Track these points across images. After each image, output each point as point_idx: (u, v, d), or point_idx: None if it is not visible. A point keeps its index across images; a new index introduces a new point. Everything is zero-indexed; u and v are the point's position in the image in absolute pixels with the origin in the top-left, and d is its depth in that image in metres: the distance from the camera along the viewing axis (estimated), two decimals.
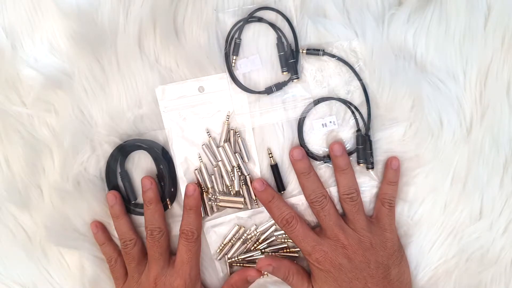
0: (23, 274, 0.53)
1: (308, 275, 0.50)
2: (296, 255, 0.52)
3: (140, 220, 0.52)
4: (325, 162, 0.51)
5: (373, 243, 0.47)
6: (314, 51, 0.49)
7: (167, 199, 0.51)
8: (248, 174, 0.51)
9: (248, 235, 0.52)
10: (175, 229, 0.52)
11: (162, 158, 0.51)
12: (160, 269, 0.49)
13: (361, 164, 0.51)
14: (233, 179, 0.51)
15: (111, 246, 0.52)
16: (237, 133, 0.51)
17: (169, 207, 0.52)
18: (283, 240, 0.52)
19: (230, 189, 0.52)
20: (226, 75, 0.51)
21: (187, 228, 0.49)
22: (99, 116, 0.51)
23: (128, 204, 0.52)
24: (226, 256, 0.52)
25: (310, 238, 0.48)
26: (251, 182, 0.51)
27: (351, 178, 0.49)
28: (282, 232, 0.52)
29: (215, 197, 0.52)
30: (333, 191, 0.51)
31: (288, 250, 0.52)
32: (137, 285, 0.49)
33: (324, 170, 0.51)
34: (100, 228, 0.52)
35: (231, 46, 0.50)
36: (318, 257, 0.47)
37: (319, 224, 0.50)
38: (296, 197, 0.52)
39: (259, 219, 0.52)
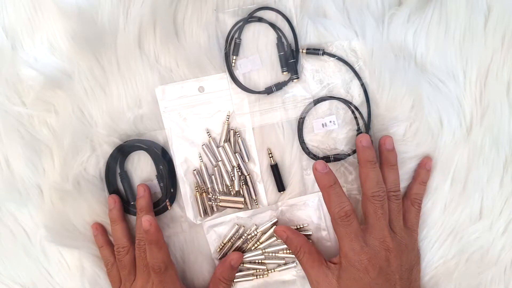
0: (23, 274, 0.53)
1: (321, 259, 0.47)
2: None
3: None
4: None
5: (407, 244, 0.47)
6: (314, 51, 0.49)
7: (167, 200, 0.51)
8: (248, 174, 0.51)
9: (248, 235, 0.52)
10: (174, 230, 0.52)
11: (162, 158, 0.51)
12: (145, 281, 0.48)
13: None
14: (233, 179, 0.51)
15: (109, 249, 0.51)
16: (237, 133, 0.51)
17: (169, 208, 0.52)
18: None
19: (230, 189, 0.52)
20: (226, 75, 0.51)
21: (152, 263, 0.47)
22: (99, 116, 0.51)
23: (128, 205, 0.52)
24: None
25: (361, 237, 0.45)
26: (251, 182, 0.51)
27: (397, 175, 0.48)
28: None
29: (215, 197, 0.52)
30: None
31: (288, 251, 0.52)
32: None
33: None
34: (100, 230, 0.52)
35: (231, 46, 0.50)
36: (363, 259, 0.44)
37: (365, 222, 0.46)
38: (296, 198, 0.52)
39: (259, 219, 0.52)
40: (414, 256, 0.48)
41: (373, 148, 0.47)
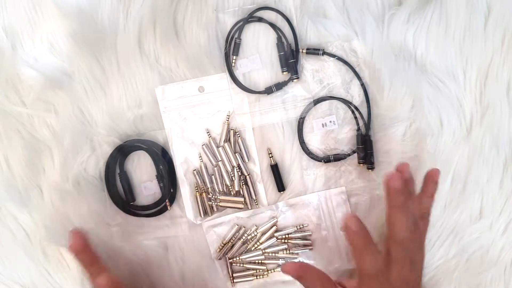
0: (23, 274, 0.53)
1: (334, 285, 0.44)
2: (296, 256, 0.52)
3: (138, 221, 0.52)
4: (325, 162, 0.51)
5: (421, 266, 0.44)
6: (314, 51, 0.49)
7: (167, 200, 0.51)
8: (248, 174, 0.51)
9: (248, 235, 0.52)
10: (174, 230, 0.52)
11: (162, 158, 0.51)
12: None
13: (362, 165, 0.51)
14: (233, 179, 0.51)
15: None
16: (237, 133, 0.51)
17: (169, 208, 0.52)
18: (283, 241, 0.52)
19: (230, 189, 0.52)
20: (226, 75, 0.51)
21: None
22: (99, 116, 0.51)
23: (127, 205, 0.52)
24: (226, 256, 0.52)
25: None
26: (251, 182, 0.51)
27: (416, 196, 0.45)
28: (283, 232, 0.52)
29: (215, 197, 0.52)
30: (333, 192, 0.51)
31: (288, 252, 0.52)
32: None
33: (325, 171, 0.51)
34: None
35: (231, 46, 0.50)
36: None
37: (390, 268, 0.41)
38: (296, 198, 0.52)
39: (259, 219, 0.52)
40: (422, 268, 0.44)
41: (404, 190, 0.40)
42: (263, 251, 0.52)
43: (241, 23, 0.50)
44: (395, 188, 0.40)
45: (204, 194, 0.52)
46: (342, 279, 0.46)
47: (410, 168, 0.43)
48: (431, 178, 0.46)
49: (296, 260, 0.52)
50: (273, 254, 0.52)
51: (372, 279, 0.41)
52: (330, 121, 0.51)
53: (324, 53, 0.49)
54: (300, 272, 0.43)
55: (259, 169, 0.52)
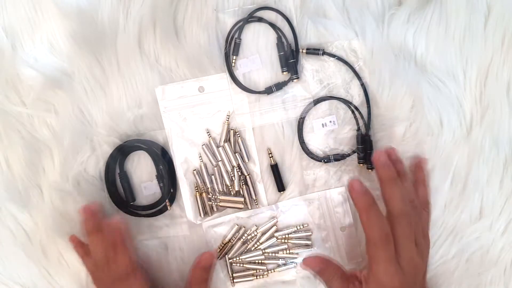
0: (23, 274, 0.53)
1: (350, 280, 0.45)
2: (296, 256, 0.52)
3: (138, 221, 0.52)
4: (325, 162, 0.51)
5: (427, 253, 0.46)
6: (314, 51, 0.49)
7: (167, 200, 0.51)
8: (248, 174, 0.51)
9: (248, 235, 0.52)
10: (174, 230, 0.52)
11: (162, 158, 0.51)
12: None
13: (362, 165, 0.51)
14: (233, 179, 0.51)
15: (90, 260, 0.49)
16: (237, 133, 0.51)
17: (169, 208, 0.52)
18: (283, 241, 0.52)
19: (230, 189, 0.52)
20: (226, 75, 0.51)
21: (114, 268, 0.46)
22: (99, 116, 0.51)
23: (127, 205, 0.52)
24: (226, 256, 0.52)
25: (394, 260, 0.42)
26: (251, 182, 0.51)
27: (410, 183, 0.47)
28: (283, 232, 0.52)
29: (215, 197, 0.52)
30: (333, 192, 0.51)
31: (288, 252, 0.52)
32: None
33: (325, 171, 0.51)
34: (77, 242, 0.50)
35: (231, 46, 0.50)
36: (395, 282, 0.41)
37: (395, 242, 0.42)
38: (296, 198, 0.52)
39: (259, 219, 0.52)
40: (427, 259, 0.46)
41: (391, 164, 0.44)
42: (263, 251, 0.52)
43: (241, 23, 0.50)
44: (383, 162, 0.43)
45: (204, 194, 0.52)
46: (356, 272, 0.46)
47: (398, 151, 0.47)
48: (418, 167, 0.49)
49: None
50: (273, 254, 0.52)
51: (380, 242, 0.41)
52: (330, 121, 0.51)
53: (324, 53, 0.49)
54: (322, 266, 0.45)
55: (259, 169, 0.52)
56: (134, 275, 0.47)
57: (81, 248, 0.50)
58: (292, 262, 0.52)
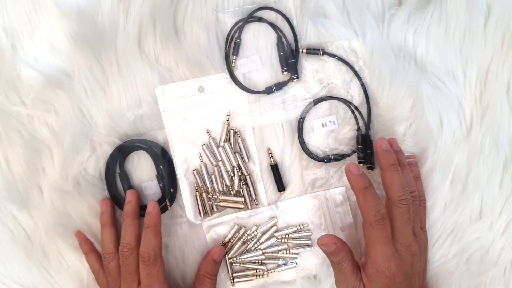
0: (23, 274, 0.53)
1: (358, 265, 0.46)
2: (296, 256, 0.52)
3: None
4: (325, 162, 0.51)
5: (425, 246, 0.46)
6: (314, 51, 0.49)
7: (167, 200, 0.51)
8: (248, 174, 0.51)
9: (248, 235, 0.52)
10: (174, 230, 0.52)
11: (162, 158, 0.51)
12: None
13: (362, 165, 0.51)
14: (233, 179, 0.51)
15: (94, 256, 0.51)
16: (237, 133, 0.51)
17: (169, 208, 0.52)
18: (283, 241, 0.52)
19: (230, 189, 0.52)
20: (226, 75, 0.51)
21: (143, 249, 0.46)
22: (99, 116, 0.51)
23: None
24: (226, 256, 0.52)
25: (391, 243, 0.43)
26: (251, 182, 0.51)
27: (410, 175, 0.47)
28: (283, 232, 0.52)
29: (215, 197, 0.52)
30: (333, 192, 0.51)
31: (288, 252, 0.52)
32: None
33: (325, 171, 0.51)
34: (83, 238, 0.51)
35: (231, 46, 0.50)
36: (392, 265, 0.42)
37: (392, 227, 0.43)
38: (296, 198, 0.52)
39: (259, 219, 0.52)
40: (426, 255, 0.48)
41: (392, 151, 0.45)
42: (263, 251, 0.52)
43: (241, 23, 0.50)
44: (384, 148, 0.44)
45: (204, 194, 0.52)
46: (357, 260, 0.46)
47: (397, 142, 0.48)
48: (411, 163, 0.49)
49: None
50: (273, 254, 0.52)
51: (376, 223, 0.42)
52: (330, 121, 0.51)
53: (324, 53, 0.49)
54: (338, 245, 0.44)
55: (259, 169, 0.52)
56: (161, 259, 0.47)
57: (86, 244, 0.51)
58: (292, 262, 0.52)
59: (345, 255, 0.45)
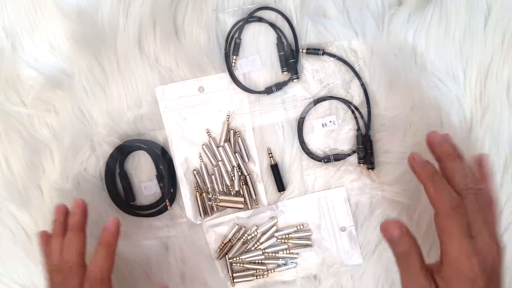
0: (23, 274, 0.53)
1: (426, 268, 0.38)
2: (296, 256, 0.52)
3: (138, 221, 0.52)
4: (325, 162, 0.51)
5: (502, 248, 0.39)
6: (314, 51, 0.49)
7: (167, 200, 0.51)
8: (248, 174, 0.51)
9: (248, 235, 0.52)
10: (174, 231, 0.52)
11: (162, 158, 0.51)
12: None
13: (362, 165, 0.51)
14: (233, 179, 0.51)
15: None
16: (237, 133, 0.51)
17: (169, 208, 0.52)
18: (283, 241, 0.52)
19: (230, 189, 0.52)
20: (226, 75, 0.51)
21: (91, 268, 0.42)
22: (99, 116, 0.51)
23: (127, 205, 0.52)
24: (226, 256, 0.52)
25: (470, 239, 0.36)
26: (251, 182, 0.51)
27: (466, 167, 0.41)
28: (283, 232, 0.52)
29: (215, 197, 0.52)
30: (333, 192, 0.51)
31: (288, 252, 0.52)
32: None
33: (325, 171, 0.51)
34: (46, 239, 0.47)
35: (231, 46, 0.50)
36: (474, 263, 0.36)
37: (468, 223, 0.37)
38: (296, 198, 0.52)
39: (259, 219, 0.52)
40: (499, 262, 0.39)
41: (448, 142, 0.41)
42: (263, 251, 0.52)
43: (241, 23, 0.50)
44: (438, 141, 0.41)
45: (204, 194, 0.52)
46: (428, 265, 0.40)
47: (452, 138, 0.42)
48: (480, 164, 0.43)
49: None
50: (273, 254, 0.52)
51: (452, 212, 0.37)
52: (330, 121, 0.51)
53: (324, 53, 0.49)
54: (403, 230, 0.39)
55: (259, 169, 0.52)
56: (109, 283, 0.43)
57: (48, 246, 0.46)
58: (292, 262, 0.52)
59: (412, 245, 0.38)
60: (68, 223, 0.45)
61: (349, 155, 0.51)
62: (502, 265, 0.38)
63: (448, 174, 0.39)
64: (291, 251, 0.52)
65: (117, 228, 0.44)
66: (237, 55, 0.50)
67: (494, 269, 0.37)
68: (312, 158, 0.51)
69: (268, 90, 0.50)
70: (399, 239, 0.39)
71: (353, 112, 0.51)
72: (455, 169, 0.39)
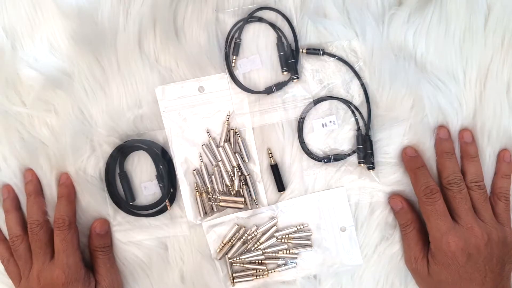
0: None
1: (426, 241, 0.48)
2: (296, 256, 0.52)
3: (138, 221, 0.52)
4: (325, 162, 0.51)
5: (499, 237, 0.46)
6: (314, 51, 0.49)
7: (167, 200, 0.51)
8: (248, 174, 0.51)
9: (248, 235, 0.52)
10: (174, 231, 0.52)
11: (162, 158, 0.51)
12: (41, 264, 0.48)
13: (362, 165, 0.51)
14: (233, 179, 0.51)
15: (3, 246, 0.51)
16: (237, 133, 0.51)
17: (169, 208, 0.52)
18: (283, 241, 0.52)
19: (230, 189, 0.52)
20: (226, 75, 0.51)
21: (57, 216, 0.48)
22: (99, 116, 0.51)
23: (127, 205, 0.52)
24: (226, 256, 0.52)
25: (448, 218, 0.45)
26: (251, 182, 0.51)
27: (479, 166, 0.49)
28: (283, 232, 0.52)
29: (215, 197, 0.52)
30: (333, 192, 0.51)
31: (288, 252, 0.52)
32: (27, 282, 0.48)
33: (325, 171, 0.51)
34: (11, 194, 0.51)
35: (231, 46, 0.50)
36: (450, 241, 0.44)
37: (449, 209, 0.46)
38: (296, 198, 0.52)
39: (259, 219, 0.52)
40: (506, 251, 0.46)
41: (451, 140, 0.49)
42: (263, 251, 0.52)
43: (241, 23, 0.50)
44: (440, 137, 0.48)
45: (204, 194, 0.52)
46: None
47: (471, 134, 0.49)
48: (501, 159, 0.49)
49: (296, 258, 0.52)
50: (273, 254, 0.52)
51: (425, 197, 0.46)
52: (330, 121, 0.51)
53: (324, 53, 0.49)
54: (405, 205, 0.48)
55: (259, 169, 0.52)
56: (75, 226, 0.49)
57: (12, 201, 0.51)
58: (292, 262, 0.52)
59: (411, 219, 0.48)
60: (26, 191, 0.50)
61: (349, 155, 0.51)
62: (495, 250, 0.45)
63: (439, 170, 0.49)
64: (291, 251, 0.52)
65: (70, 180, 0.50)
66: (237, 55, 0.50)
67: (481, 252, 0.44)
68: (312, 158, 0.51)
69: (268, 90, 0.50)
70: (399, 212, 0.49)
71: (353, 112, 0.51)
72: (444, 165, 0.48)
